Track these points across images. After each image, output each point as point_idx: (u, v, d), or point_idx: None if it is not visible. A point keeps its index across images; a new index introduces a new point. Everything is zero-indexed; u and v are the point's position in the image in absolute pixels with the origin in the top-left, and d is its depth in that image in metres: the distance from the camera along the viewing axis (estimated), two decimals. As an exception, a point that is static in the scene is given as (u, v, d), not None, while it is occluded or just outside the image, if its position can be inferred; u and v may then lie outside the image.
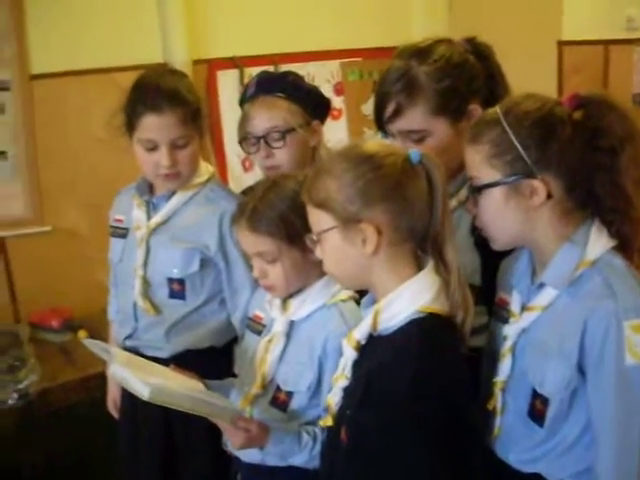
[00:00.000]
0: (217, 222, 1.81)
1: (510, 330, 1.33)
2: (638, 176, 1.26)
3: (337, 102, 3.63)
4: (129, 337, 1.89)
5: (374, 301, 1.31)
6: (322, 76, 3.49)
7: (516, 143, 1.25)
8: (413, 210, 1.23)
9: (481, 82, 1.55)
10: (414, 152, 1.24)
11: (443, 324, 1.23)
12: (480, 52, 1.58)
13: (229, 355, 1.87)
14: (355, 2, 3.54)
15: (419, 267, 1.27)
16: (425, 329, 1.22)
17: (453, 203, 1.52)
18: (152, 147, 1.74)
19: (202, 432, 1.85)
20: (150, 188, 1.89)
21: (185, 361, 1.74)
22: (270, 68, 3.11)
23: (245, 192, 1.98)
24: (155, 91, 1.73)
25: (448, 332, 1.23)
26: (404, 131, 1.53)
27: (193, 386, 1.57)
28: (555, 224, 1.28)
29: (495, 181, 1.27)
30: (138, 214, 1.86)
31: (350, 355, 1.32)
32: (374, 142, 1.31)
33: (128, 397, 1.96)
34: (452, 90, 1.52)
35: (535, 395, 1.28)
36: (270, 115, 1.81)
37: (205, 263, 1.82)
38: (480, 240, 1.41)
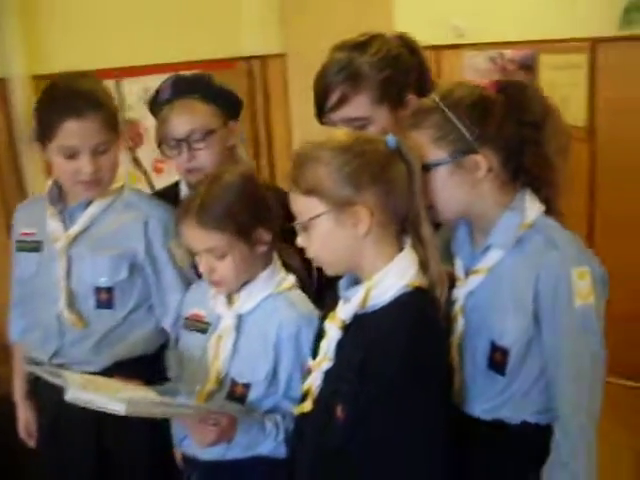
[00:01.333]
0: (142, 227, 1.79)
1: (458, 293, 1.47)
2: (559, 146, 1.44)
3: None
4: (54, 355, 1.81)
5: (353, 282, 1.40)
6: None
7: (457, 124, 1.39)
8: (397, 191, 1.33)
9: (414, 74, 1.69)
10: (390, 138, 1.35)
11: (427, 297, 1.35)
12: (410, 46, 1.72)
13: (160, 361, 1.85)
14: (190, 16, 3.61)
15: (400, 246, 1.37)
16: (415, 301, 1.33)
17: None
18: (72, 154, 1.70)
19: (140, 447, 1.82)
20: (60, 198, 1.83)
21: (118, 372, 1.71)
22: (111, 82, 3.09)
23: (157, 195, 1.98)
24: (74, 95, 1.68)
25: (431, 304, 1.35)
26: (347, 119, 1.63)
27: (146, 394, 1.55)
28: (495, 194, 1.44)
29: (442, 159, 1.41)
30: (54, 225, 1.79)
31: (335, 336, 1.39)
32: (346, 131, 1.41)
33: (49, 418, 1.88)
34: (392, 80, 1.65)
35: (494, 348, 1.42)
36: (191, 117, 1.83)
37: (133, 269, 1.79)
38: None
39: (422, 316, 1.33)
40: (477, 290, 1.45)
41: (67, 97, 1.69)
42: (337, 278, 1.43)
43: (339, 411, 1.34)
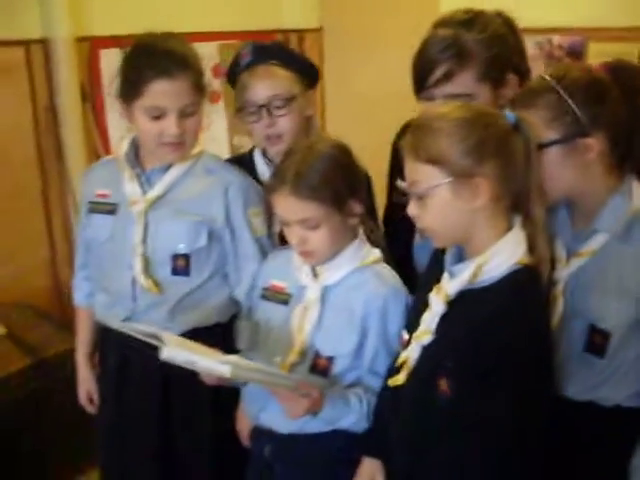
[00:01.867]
0: (222, 194, 1.76)
1: (559, 275, 1.46)
2: None
3: (215, 85, 3.64)
4: (126, 320, 1.78)
5: (460, 257, 1.38)
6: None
7: (573, 106, 1.38)
8: (516, 167, 1.33)
9: (517, 54, 1.67)
10: (509, 113, 1.34)
11: (536, 275, 1.35)
12: (511, 25, 1.70)
13: (230, 331, 1.83)
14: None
15: (510, 223, 1.36)
16: (527, 280, 1.33)
17: None
18: (159, 115, 1.66)
19: (204, 407, 1.81)
20: (136, 160, 1.80)
21: (194, 340, 1.69)
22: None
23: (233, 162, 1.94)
24: (165, 55, 1.65)
25: (539, 282, 1.35)
26: (450, 95, 1.61)
27: (239, 360, 1.53)
28: (604, 177, 1.43)
29: (555, 139, 1.39)
30: (132, 188, 1.75)
31: (439, 310, 1.37)
32: (465, 104, 1.39)
33: (111, 383, 1.86)
34: (497, 58, 1.63)
35: (594, 331, 1.42)
36: (272, 83, 1.81)
37: (212, 236, 1.77)
38: None
39: (536, 295, 1.33)
40: (579, 273, 1.44)
41: (158, 56, 1.65)
42: None
43: (443, 385, 1.34)
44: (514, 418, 1.29)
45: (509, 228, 1.36)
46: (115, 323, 1.56)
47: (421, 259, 1.69)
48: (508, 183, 1.33)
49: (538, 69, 1.69)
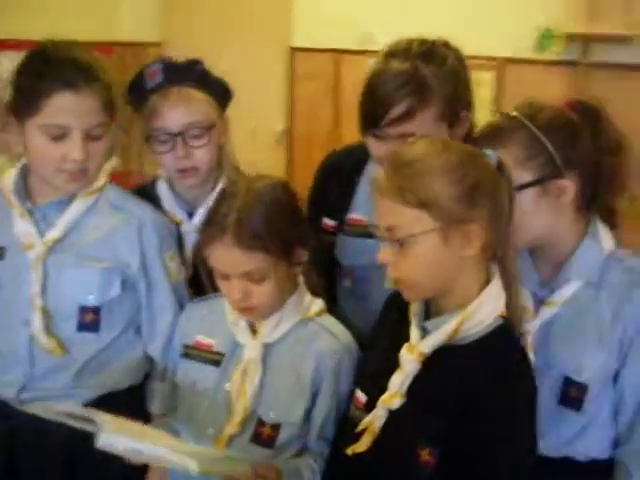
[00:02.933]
0: (135, 234, 1.50)
1: (528, 326, 1.36)
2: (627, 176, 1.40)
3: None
4: (22, 389, 1.47)
5: (424, 312, 1.27)
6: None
7: (548, 146, 1.30)
8: (503, 211, 1.21)
9: (468, 89, 1.56)
10: (491, 153, 1.22)
11: (514, 329, 1.24)
12: (459, 56, 1.57)
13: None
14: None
15: (488, 272, 1.24)
16: (512, 333, 1.22)
17: None
18: (60, 135, 1.38)
19: None
20: (25, 193, 1.49)
21: (103, 408, 1.41)
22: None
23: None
24: (70, 65, 1.38)
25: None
26: (406, 134, 1.45)
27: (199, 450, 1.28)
28: (574, 220, 1.37)
29: (530, 181, 1.30)
30: (25, 227, 1.45)
31: (412, 371, 1.23)
32: (447, 142, 1.25)
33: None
34: (455, 94, 1.51)
35: (569, 383, 1.34)
36: (189, 109, 1.57)
37: (125, 285, 1.50)
38: None
39: (521, 348, 1.24)
40: (550, 323, 1.36)
41: (63, 65, 1.37)
42: None
43: (425, 455, 1.19)
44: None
45: (488, 278, 1.25)
46: (30, 406, 1.26)
47: None
48: (496, 229, 1.21)
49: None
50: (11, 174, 1.49)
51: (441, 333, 1.22)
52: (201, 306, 1.52)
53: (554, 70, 3.24)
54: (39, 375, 1.47)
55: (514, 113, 1.36)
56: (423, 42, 1.52)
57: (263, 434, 1.40)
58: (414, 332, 1.26)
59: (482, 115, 1.58)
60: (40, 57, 1.42)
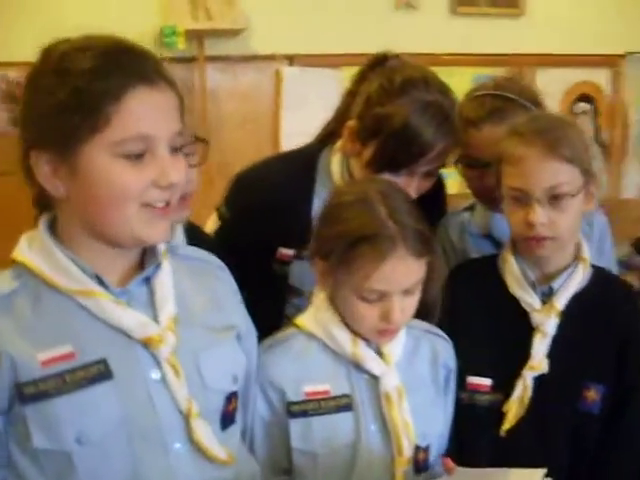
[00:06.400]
0: (228, 284, 1.15)
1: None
2: None
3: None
4: None
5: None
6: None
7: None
8: None
9: None
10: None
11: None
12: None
13: None
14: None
15: None
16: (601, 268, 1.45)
17: None
18: (140, 152, 0.94)
19: None
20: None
21: None
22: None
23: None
24: (142, 55, 0.98)
25: None
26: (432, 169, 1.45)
27: None
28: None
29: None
30: (133, 317, 0.97)
31: (551, 332, 1.32)
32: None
33: None
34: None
35: None
36: None
37: None
38: None
39: None
40: None
41: (129, 56, 0.96)
42: None
43: (591, 395, 1.30)
44: None
45: None
46: None
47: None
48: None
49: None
50: (43, 243, 0.94)
51: (573, 285, 1.33)
52: (284, 349, 1.25)
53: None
54: None
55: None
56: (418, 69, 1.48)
57: (420, 460, 1.26)
58: (530, 296, 1.33)
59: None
60: (95, 52, 0.93)
